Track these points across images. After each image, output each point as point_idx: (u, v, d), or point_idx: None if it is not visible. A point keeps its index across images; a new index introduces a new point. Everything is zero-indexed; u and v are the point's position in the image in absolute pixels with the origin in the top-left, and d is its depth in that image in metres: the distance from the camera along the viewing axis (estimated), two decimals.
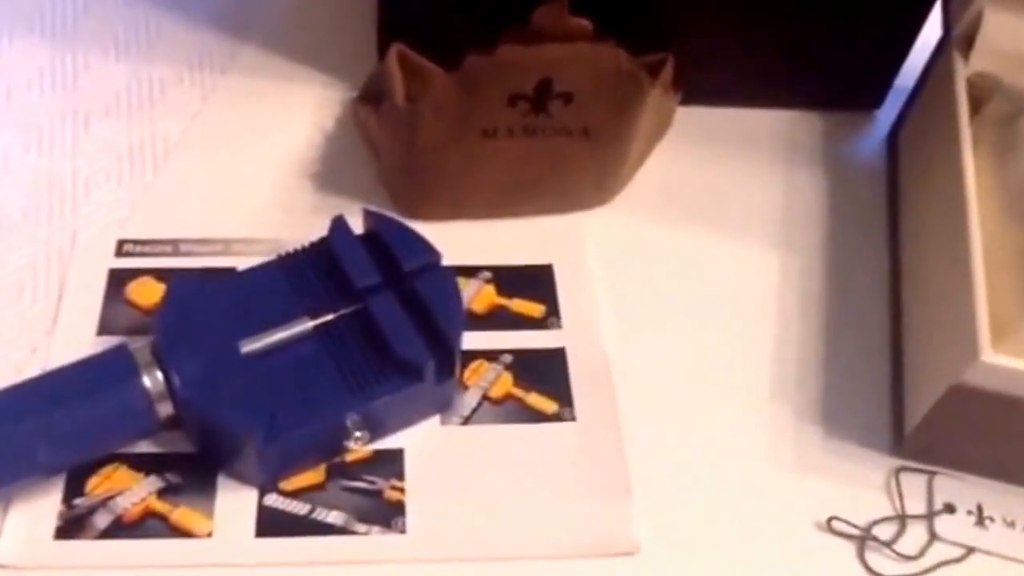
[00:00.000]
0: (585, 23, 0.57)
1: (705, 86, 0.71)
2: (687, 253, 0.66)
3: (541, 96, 0.59)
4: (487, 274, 0.62)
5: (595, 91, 0.60)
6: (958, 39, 0.65)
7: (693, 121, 0.71)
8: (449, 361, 0.54)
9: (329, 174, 0.66)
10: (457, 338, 0.54)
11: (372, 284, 0.55)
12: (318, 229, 0.57)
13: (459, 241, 0.62)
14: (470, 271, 0.62)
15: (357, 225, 0.58)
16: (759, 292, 0.65)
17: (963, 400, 0.53)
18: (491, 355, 0.59)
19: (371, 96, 0.64)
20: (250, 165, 0.66)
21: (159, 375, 0.51)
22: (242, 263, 0.59)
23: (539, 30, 0.57)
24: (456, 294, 0.56)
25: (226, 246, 0.62)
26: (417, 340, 0.53)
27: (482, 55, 0.58)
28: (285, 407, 0.52)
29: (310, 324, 0.54)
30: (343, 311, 0.55)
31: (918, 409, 0.57)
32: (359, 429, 0.53)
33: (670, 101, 0.67)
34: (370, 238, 0.58)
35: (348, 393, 0.53)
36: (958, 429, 0.55)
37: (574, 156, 0.62)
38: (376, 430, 0.55)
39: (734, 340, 0.63)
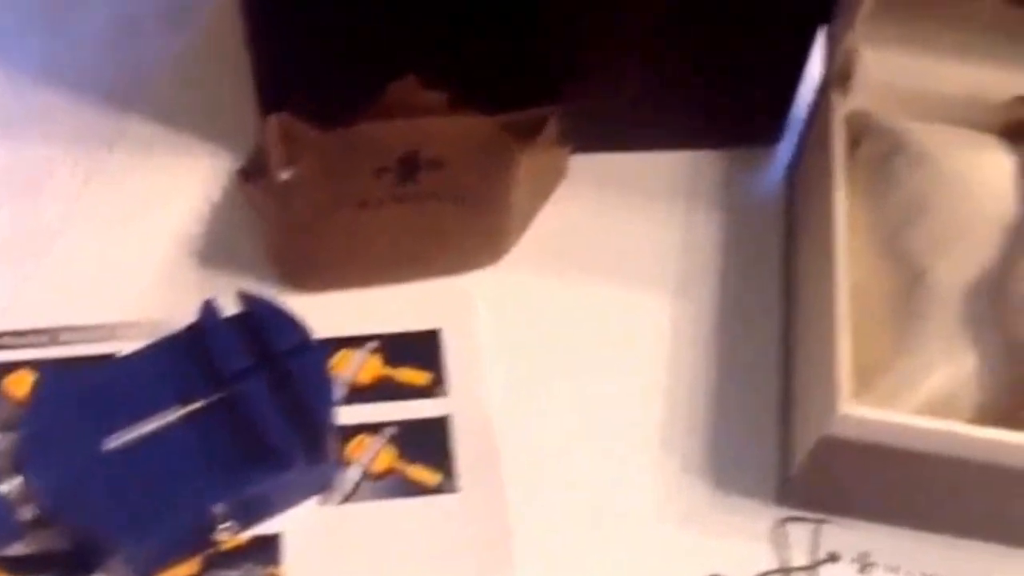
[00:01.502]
0: (440, 96, 0.57)
1: (600, 133, 0.70)
2: (581, 306, 0.66)
3: (408, 166, 0.59)
4: (374, 343, 0.62)
5: (464, 159, 0.60)
6: (836, 76, 0.65)
7: (590, 169, 0.71)
8: (319, 444, 0.54)
9: (217, 249, 0.66)
10: (327, 420, 0.54)
11: (241, 368, 0.55)
12: None
13: (346, 311, 0.62)
14: (357, 341, 0.62)
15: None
16: (652, 342, 0.65)
17: (833, 450, 0.53)
18: (375, 428, 0.59)
19: (255, 167, 0.63)
20: (135, 244, 0.66)
21: (18, 480, 0.51)
22: (125, 348, 0.59)
23: (394, 105, 0.56)
24: (327, 375, 0.56)
25: (109, 332, 0.62)
26: (285, 425, 0.53)
27: (342, 130, 0.57)
28: (150, 503, 0.52)
29: (178, 413, 0.54)
30: (212, 398, 0.54)
31: (799, 458, 0.56)
32: (227, 519, 0.52)
33: (559, 153, 0.67)
34: (244, 319, 0.57)
35: (216, 483, 0.53)
36: (835, 477, 0.55)
37: (453, 222, 0.62)
38: (250, 517, 0.54)
39: (625, 394, 0.62)
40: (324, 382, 0.56)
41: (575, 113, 0.66)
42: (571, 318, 0.65)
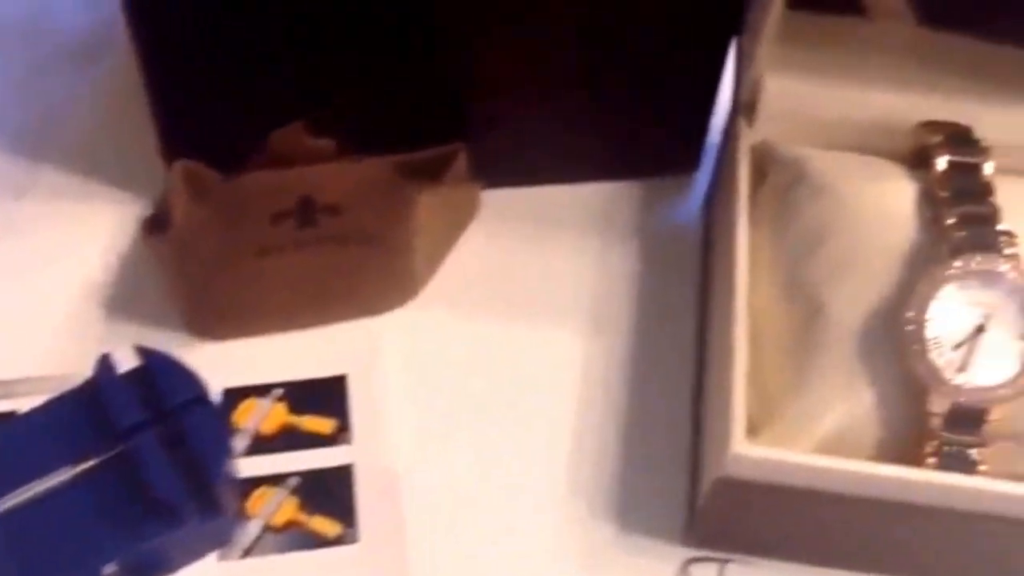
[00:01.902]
0: (328, 143, 0.56)
1: (514, 168, 0.70)
2: (492, 345, 0.65)
3: (305, 213, 0.59)
4: (280, 391, 0.61)
5: (361, 203, 0.59)
6: (743, 105, 0.64)
7: (505, 204, 0.70)
8: (214, 498, 0.53)
9: (125, 300, 0.66)
10: (221, 474, 0.53)
11: (135, 423, 0.54)
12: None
13: (253, 359, 0.61)
14: (262, 390, 0.61)
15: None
16: (564, 380, 0.64)
17: (731, 490, 0.52)
18: (277, 479, 0.58)
19: (159, 217, 0.63)
20: (41, 297, 0.65)
21: None
22: (27, 405, 0.58)
23: (282, 153, 0.56)
24: (222, 428, 0.55)
25: (8, 388, 0.61)
26: (177, 480, 0.52)
27: (237, 178, 0.57)
28: (42, 563, 0.51)
29: (71, 472, 0.53)
30: (106, 454, 0.54)
31: (701, 499, 0.55)
32: None
33: (470, 190, 0.66)
34: (140, 373, 0.56)
35: (109, 540, 0.52)
36: (737, 517, 0.55)
37: (355, 266, 0.62)
38: (146, 574, 0.53)
39: (534, 435, 0.62)
40: (219, 435, 0.55)
41: (486, 148, 0.66)
42: (482, 358, 0.64)
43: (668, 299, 0.66)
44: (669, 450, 0.60)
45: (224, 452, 0.55)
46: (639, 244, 0.69)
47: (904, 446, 0.53)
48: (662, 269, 0.68)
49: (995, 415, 0.51)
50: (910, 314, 0.51)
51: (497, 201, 0.70)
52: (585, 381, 0.63)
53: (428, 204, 0.61)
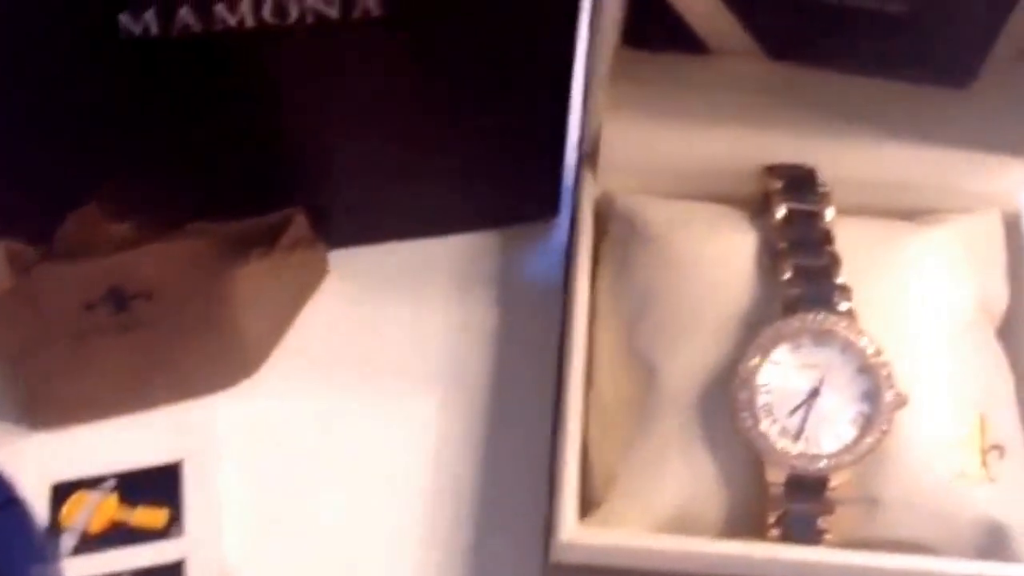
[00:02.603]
0: (126, 227, 0.53)
1: (363, 225, 0.67)
2: (338, 420, 0.62)
3: (116, 300, 0.55)
4: (111, 482, 0.58)
5: (176, 284, 0.56)
6: (587, 155, 0.61)
7: (356, 263, 0.68)
8: None
9: None
10: None
11: None
12: None
13: (85, 448, 0.58)
14: (93, 482, 0.58)
15: None
16: (414, 453, 0.61)
17: (567, 574, 0.48)
18: None
19: None
20: None
21: None
22: None
23: (79, 238, 0.52)
24: (33, 531, 0.52)
25: None
26: None
27: (45, 264, 0.54)
28: None
29: None
30: None
31: None
32: None
33: (311, 253, 0.63)
34: None
35: None
36: None
37: (179, 348, 0.59)
38: None
39: (381, 515, 0.59)
40: (29, 539, 0.51)
41: (330, 208, 0.64)
42: (327, 433, 0.61)
43: (527, 357, 0.63)
44: (525, 522, 0.57)
45: (36, 560, 0.51)
46: (498, 298, 0.66)
47: (749, 516, 0.50)
48: (522, 324, 0.65)
49: (836, 481, 0.48)
50: (740, 379, 0.48)
51: (347, 261, 0.67)
52: (437, 451, 0.60)
53: (256, 276, 0.59)
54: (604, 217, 0.59)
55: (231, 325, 0.58)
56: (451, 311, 0.66)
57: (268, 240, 0.61)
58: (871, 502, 0.49)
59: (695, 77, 0.62)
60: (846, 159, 0.59)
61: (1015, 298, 0.57)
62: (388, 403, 0.62)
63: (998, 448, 0.51)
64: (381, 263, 0.68)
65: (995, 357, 0.54)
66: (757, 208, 0.56)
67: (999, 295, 0.56)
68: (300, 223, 0.62)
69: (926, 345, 0.51)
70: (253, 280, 0.58)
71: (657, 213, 0.56)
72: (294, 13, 0.54)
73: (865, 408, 0.48)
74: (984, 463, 0.50)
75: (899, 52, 0.60)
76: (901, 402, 0.48)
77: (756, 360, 0.48)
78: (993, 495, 0.49)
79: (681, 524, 0.50)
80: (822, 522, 0.49)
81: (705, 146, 0.59)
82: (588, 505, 0.51)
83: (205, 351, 0.59)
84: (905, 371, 0.50)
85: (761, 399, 0.48)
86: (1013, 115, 0.59)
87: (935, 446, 0.49)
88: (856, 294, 0.50)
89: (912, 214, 0.58)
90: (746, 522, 0.50)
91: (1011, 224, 0.59)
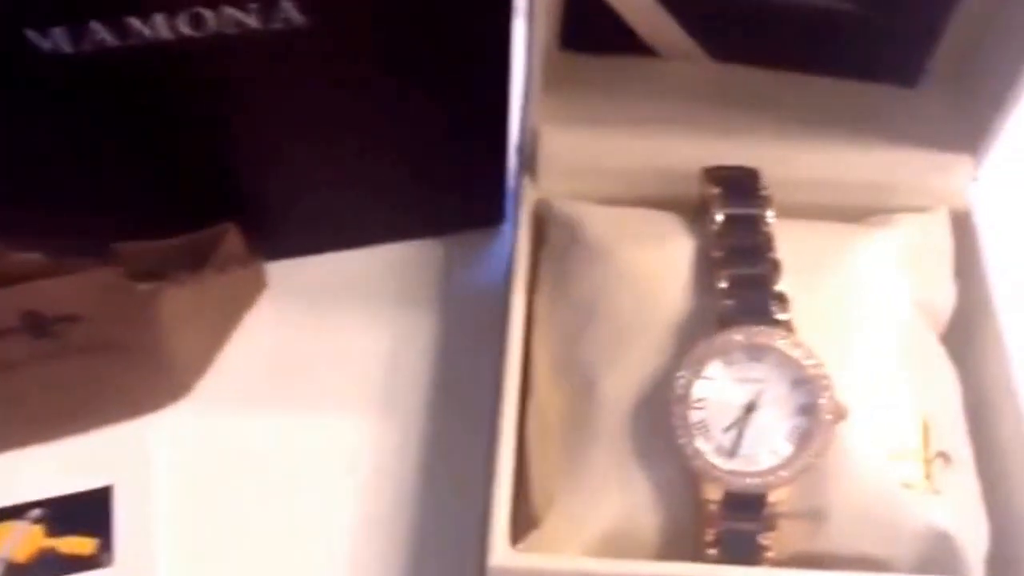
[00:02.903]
0: (34, 257, 0.51)
1: (304, 236, 0.66)
2: (273, 439, 0.60)
3: (35, 326, 0.53)
4: (37, 511, 0.56)
5: (100, 308, 0.54)
6: (525, 161, 0.59)
7: (296, 274, 0.66)
8: None
9: None
10: None
11: None
12: None
13: (12, 476, 0.56)
14: (17, 511, 0.56)
15: None
16: (352, 467, 0.60)
17: None
18: None
19: None
20: None
21: None
22: None
23: None
24: None
25: None
26: None
27: None
28: None
29: None
30: None
31: None
32: None
33: (245, 268, 0.61)
34: None
35: None
36: None
37: (107, 372, 0.57)
38: None
39: (318, 534, 0.57)
40: None
41: (268, 220, 0.63)
42: (262, 453, 0.60)
43: (470, 370, 0.62)
44: (462, 544, 0.55)
45: None
46: (441, 309, 0.65)
47: (688, 535, 0.48)
48: (466, 335, 0.64)
49: (775, 497, 0.46)
50: (674, 396, 0.46)
51: (287, 273, 0.65)
52: (375, 470, 0.59)
53: (184, 296, 0.57)
54: (544, 224, 0.57)
55: (159, 347, 0.57)
56: (393, 323, 0.64)
57: (198, 258, 0.59)
58: (815, 516, 0.48)
59: (637, 80, 0.60)
60: (792, 160, 0.58)
61: (966, 296, 0.55)
62: (325, 421, 0.61)
63: (943, 456, 0.49)
64: (322, 274, 0.66)
65: (940, 362, 0.52)
66: (699, 213, 0.54)
67: (946, 297, 0.55)
68: (232, 239, 0.60)
69: (869, 352, 0.49)
70: (181, 301, 0.56)
71: (596, 220, 0.54)
72: (212, 24, 0.51)
73: (802, 422, 0.46)
74: (929, 472, 0.48)
75: (844, 51, 0.59)
76: (840, 415, 0.46)
77: (688, 376, 0.46)
78: (939, 505, 0.48)
79: (618, 544, 0.48)
80: (763, 539, 0.47)
81: (647, 150, 0.58)
82: (530, 523, 0.50)
83: (133, 374, 0.58)
84: (847, 380, 0.48)
85: (695, 415, 0.47)
86: (960, 112, 0.58)
87: (878, 457, 0.48)
88: (797, 301, 0.48)
89: (860, 214, 0.57)
90: (685, 540, 0.48)
91: (961, 221, 0.57)
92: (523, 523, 0.50)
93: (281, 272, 0.66)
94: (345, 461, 0.59)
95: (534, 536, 0.48)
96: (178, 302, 0.56)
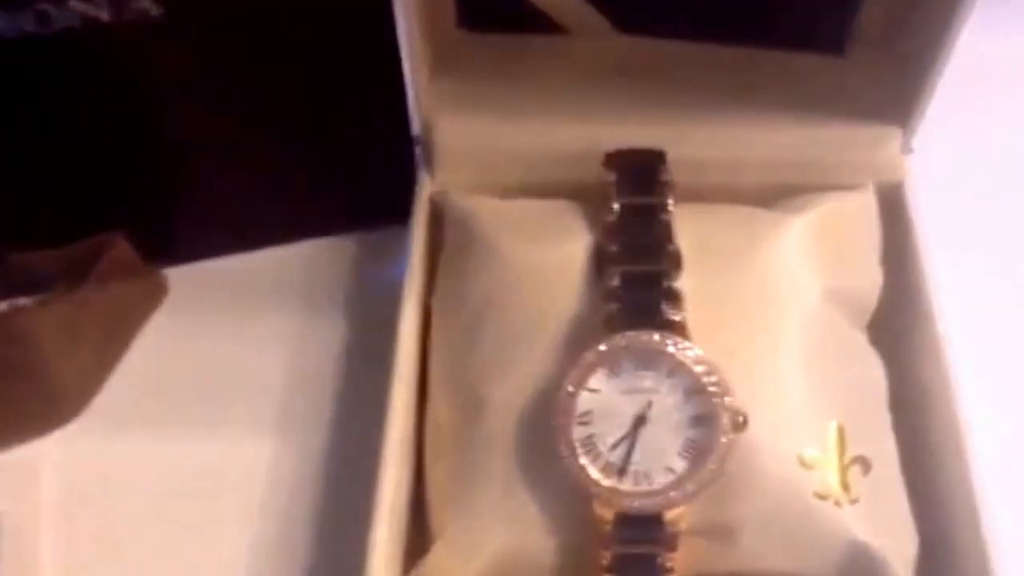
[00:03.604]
0: None
1: (205, 238, 0.62)
2: (168, 459, 0.56)
3: None
4: None
5: None
6: (423, 149, 0.55)
7: (200, 279, 0.62)
8: None
9: None
10: None
11: None
12: None
13: None
14: None
15: None
16: (251, 485, 0.56)
17: None
18: None
19: None
20: None
21: None
22: None
23: None
24: None
25: None
26: None
27: None
28: None
29: None
30: None
31: None
32: None
33: (139, 277, 0.58)
34: None
35: None
36: None
37: None
38: None
39: (208, 561, 0.54)
40: None
41: (163, 224, 0.60)
42: (157, 472, 0.56)
43: (378, 383, 0.57)
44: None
45: None
46: (349, 313, 0.61)
47: (584, 559, 0.44)
48: (374, 343, 0.59)
49: (673, 515, 0.42)
50: (557, 411, 0.42)
51: (190, 277, 0.62)
52: (273, 488, 0.55)
53: (63, 312, 0.53)
54: (440, 220, 0.53)
55: (41, 367, 0.53)
56: (298, 330, 0.61)
57: (80, 270, 0.55)
58: (721, 534, 0.44)
59: (541, 58, 0.56)
60: (708, 139, 0.53)
61: (897, 281, 0.51)
62: (222, 440, 0.57)
63: (862, 462, 0.45)
64: (226, 277, 0.63)
65: (860, 357, 0.48)
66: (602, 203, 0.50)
67: (870, 283, 0.50)
68: (120, 247, 0.56)
69: (775, 351, 0.45)
70: (60, 316, 0.53)
71: (488, 215, 0.50)
72: (59, 20, 0.47)
73: (698, 435, 0.42)
74: (845, 480, 0.44)
75: (762, 18, 0.54)
76: (739, 425, 0.42)
77: (572, 388, 0.42)
78: (856, 515, 0.44)
79: (511, 572, 0.44)
80: (665, 560, 0.43)
81: (553, 134, 0.54)
82: (428, 543, 0.46)
83: (15, 397, 0.54)
84: (748, 385, 0.44)
85: (580, 431, 0.43)
86: (888, 81, 0.53)
87: (787, 466, 0.44)
88: (695, 298, 0.44)
89: (782, 194, 0.52)
90: (584, 564, 0.44)
91: (891, 199, 0.52)
92: (424, 544, 0.46)
93: (184, 277, 0.62)
94: (241, 483, 0.56)
95: (422, 566, 0.44)
96: (58, 319, 0.53)
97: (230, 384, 0.59)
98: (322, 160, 0.59)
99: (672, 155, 0.49)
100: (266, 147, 0.58)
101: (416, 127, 0.56)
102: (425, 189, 0.54)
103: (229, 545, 0.54)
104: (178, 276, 0.62)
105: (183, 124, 0.56)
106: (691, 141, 0.52)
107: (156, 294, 0.60)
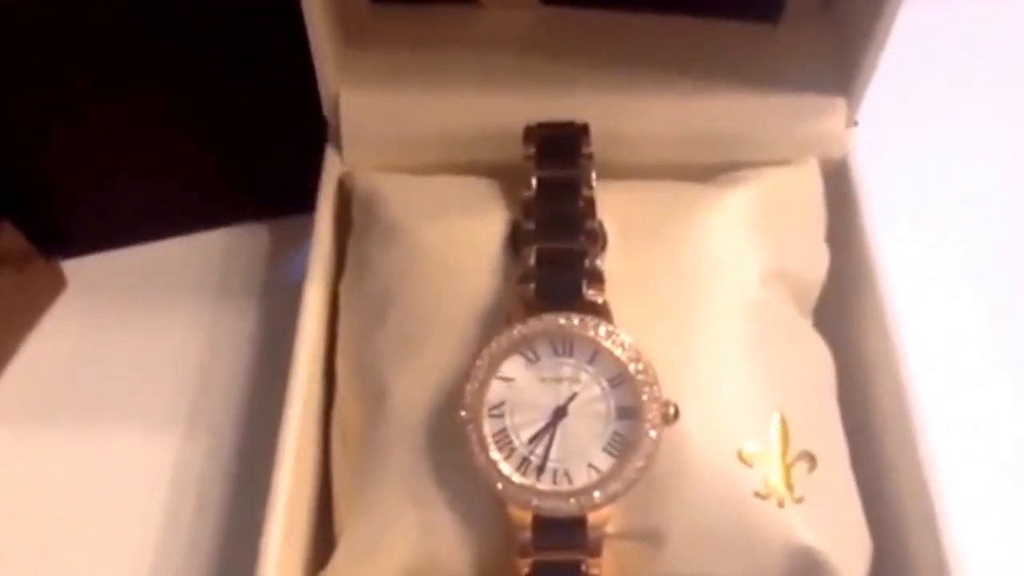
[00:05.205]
0: None
1: (107, 228, 0.59)
2: (67, 458, 0.53)
3: None
4: None
5: None
6: (331, 128, 0.50)
7: (101, 271, 0.59)
8: None
9: None
10: None
11: None
12: None
13: None
14: None
15: None
16: (150, 496, 0.52)
17: None
18: None
19: None
20: None
21: None
22: None
23: None
24: None
25: None
26: None
27: None
28: None
29: None
30: None
31: None
32: None
33: (32, 269, 0.54)
34: None
35: None
36: None
37: None
38: None
39: (109, 563, 0.50)
40: None
41: (60, 214, 0.56)
42: (55, 471, 0.53)
43: (285, 371, 0.52)
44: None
45: None
46: (261, 304, 0.58)
47: (500, 567, 0.39)
48: (287, 334, 0.54)
49: (597, 518, 0.37)
50: (466, 403, 0.38)
51: (89, 269, 0.58)
52: (178, 491, 0.52)
53: None
54: (348, 202, 0.49)
55: None
56: (207, 322, 0.57)
57: None
58: (651, 537, 0.40)
59: (455, 31, 0.52)
60: (636, 112, 0.49)
61: (843, 260, 0.47)
62: (126, 437, 0.54)
63: (807, 457, 0.40)
64: (130, 270, 0.59)
65: (804, 343, 0.44)
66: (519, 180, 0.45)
67: (815, 263, 0.46)
68: (9, 235, 0.51)
69: (708, 337, 0.41)
70: None
71: (395, 193, 0.46)
72: None
73: (623, 428, 0.38)
74: (788, 478, 0.40)
75: None
76: (669, 417, 0.38)
77: (482, 377, 0.38)
78: (801, 515, 0.40)
79: None
80: (590, 567, 0.38)
81: (469, 109, 0.50)
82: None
83: None
84: (680, 374, 0.41)
85: (492, 425, 0.38)
86: (829, 50, 0.50)
87: (723, 463, 0.39)
88: (620, 279, 0.40)
89: (718, 171, 0.48)
90: (500, 574, 0.39)
91: (836, 174, 0.48)
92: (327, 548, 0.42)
93: (83, 269, 0.59)
94: (145, 482, 0.52)
95: (331, 567, 0.39)
96: None
97: (134, 378, 0.56)
98: (228, 144, 0.56)
99: (599, 130, 0.45)
100: (169, 132, 0.54)
101: (324, 105, 0.50)
102: (334, 169, 0.49)
103: (134, 540, 0.51)
104: (78, 267, 0.58)
105: (80, 110, 0.51)
106: (619, 115, 0.48)
107: (55, 284, 0.56)
